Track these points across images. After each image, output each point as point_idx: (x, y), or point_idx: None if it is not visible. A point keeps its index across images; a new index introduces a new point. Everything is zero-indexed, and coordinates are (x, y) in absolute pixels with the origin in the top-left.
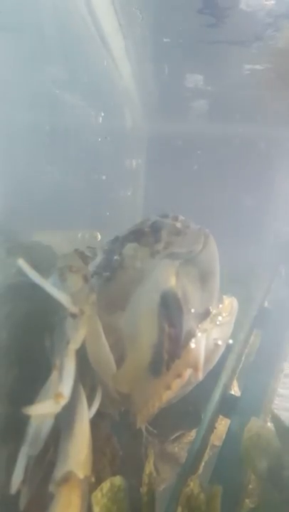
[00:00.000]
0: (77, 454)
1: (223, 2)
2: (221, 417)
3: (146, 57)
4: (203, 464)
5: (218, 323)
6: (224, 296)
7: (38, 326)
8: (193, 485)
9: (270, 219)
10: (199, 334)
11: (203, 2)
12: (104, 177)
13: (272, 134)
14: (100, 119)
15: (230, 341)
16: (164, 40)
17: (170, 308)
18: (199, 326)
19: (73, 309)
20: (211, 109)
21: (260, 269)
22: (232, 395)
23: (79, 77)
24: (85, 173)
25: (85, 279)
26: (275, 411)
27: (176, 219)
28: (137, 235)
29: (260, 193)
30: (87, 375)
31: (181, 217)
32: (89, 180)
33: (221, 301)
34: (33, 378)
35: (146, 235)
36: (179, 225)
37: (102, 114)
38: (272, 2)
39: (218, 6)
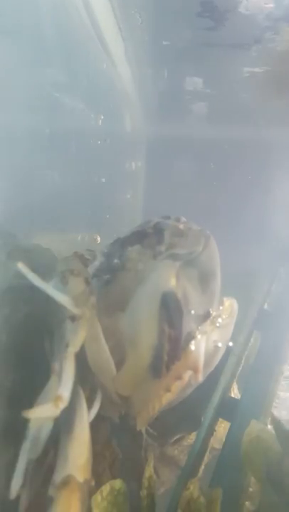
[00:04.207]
0: (77, 457)
1: (222, 5)
2: (220, 419)
3: (145, 60)
4: (203, 467)
5: (218, 325)
6: (224, 298)
7: (38, 329)
8: (193, 488)
9: (270, 222)
10: (199, 336)
11: (202, 5)
12: (103, 180)
13: (272, 136)
14: (100, 121)
15: (230, 343)
16: (164, 43)
17: (170, 309)
18: (199, 328)
19: (76, 312)
20: (211, 112)
21: (260, 271)
22: (232, 397)
23: (78, 80)
24: (84, 175)
25: (87, 282)
26: (275, 414)
27: (178, 220)
28: (139, 236)
29: (259, 196)
30: (86, 377)
31: (183, 219)
32: (88, 182)
33: (221, 303)
34: (32, 381)
35: (149, 236)
36: (181, 226)
37: (102, 117)
38: (272, 5)
39: (217, 9)
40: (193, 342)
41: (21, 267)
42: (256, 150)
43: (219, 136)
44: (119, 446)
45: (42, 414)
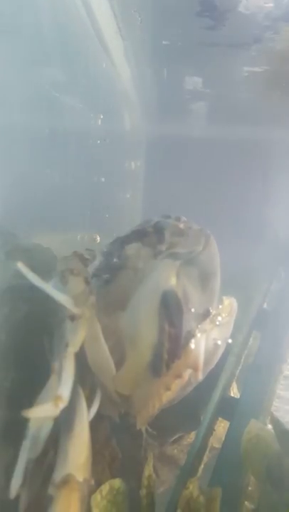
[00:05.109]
0: (77, 456)
1: (222, 5)
2: (220, 419)
3: (145, 60)
4: (202, 466)
5: (217, 323)
6: (224, 297)
7: (37, 328)
8: (192, 487)
9: (269, 221)
10: (199, 334)
11: (202, 5)
12: (103, 179)
13: (272, 136)
14: (99, 121)
15: (230, 341)
16: (163, 42)
17: (170, 308)
18: (199, 326)
19: (76, 311)
20: (210, 112)
21: (260, 270)
22: (231, 396)
23: (78, 80)
24: (84, 175)
25: (86, 281)
26: (275, 413)
27: (178, 219)
28: (139, 234)
29: (259, 195)
30: (86, 377)
31: (183, 218)
32: (88, 182)
33: (220, 301)
34: (32, 381)
35: (149, 235)
36: (181, 225)
37: (101, 117)
38: (271, 5)
39: (216, 8)
40: (193, 340)
41: (21, 266)
42: (256, 150)
43: (219, 135)
44: (118, 445)
45: (42, 413)
